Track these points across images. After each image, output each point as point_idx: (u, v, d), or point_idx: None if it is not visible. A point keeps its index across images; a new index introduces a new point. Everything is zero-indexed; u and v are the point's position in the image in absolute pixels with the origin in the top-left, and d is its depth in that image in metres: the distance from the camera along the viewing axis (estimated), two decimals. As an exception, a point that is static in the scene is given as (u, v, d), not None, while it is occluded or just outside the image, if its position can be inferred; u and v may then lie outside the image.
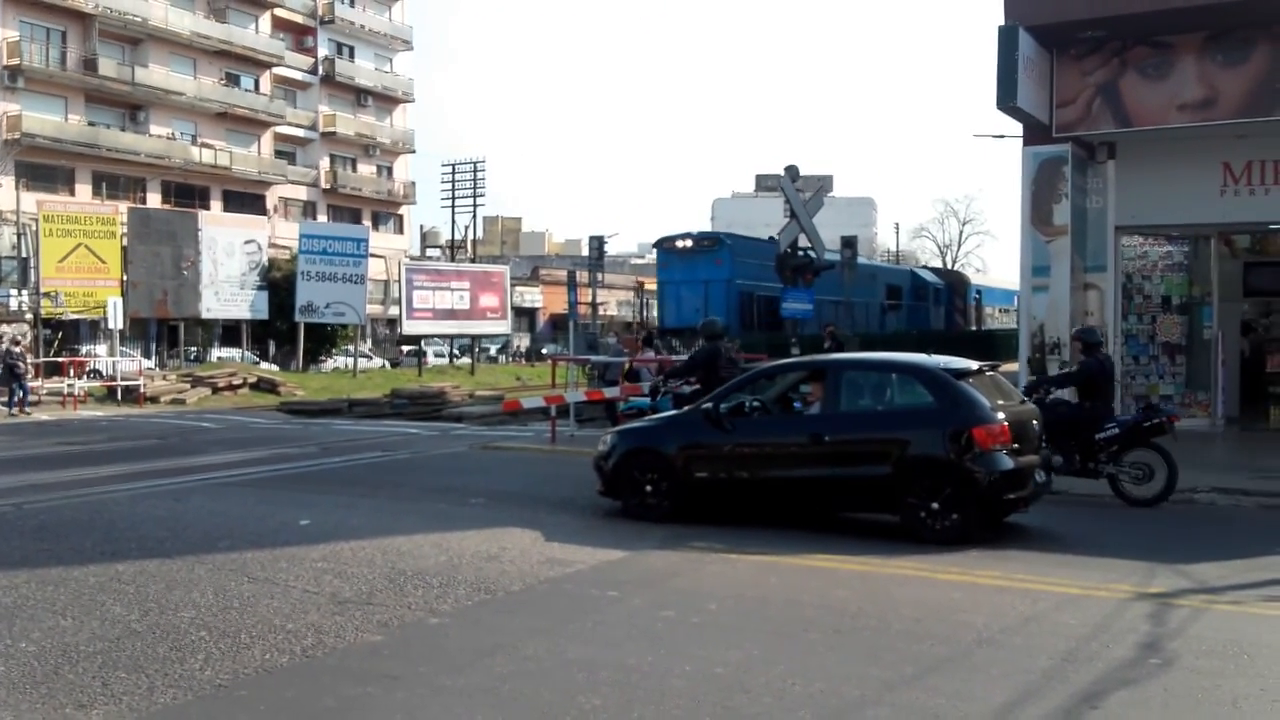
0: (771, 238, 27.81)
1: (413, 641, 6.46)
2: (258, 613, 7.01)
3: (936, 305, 40.40)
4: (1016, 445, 9.29)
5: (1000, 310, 50.99)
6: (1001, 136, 39.69)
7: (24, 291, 37.48)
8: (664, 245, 28.90)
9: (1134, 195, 17.26)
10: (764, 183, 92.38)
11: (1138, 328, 17.95)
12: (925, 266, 55.37)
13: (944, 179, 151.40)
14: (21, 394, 25.88)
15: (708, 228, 71.87)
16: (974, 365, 10.01)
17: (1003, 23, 15.69)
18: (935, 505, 9.15)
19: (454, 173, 65.80)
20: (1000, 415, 9.30)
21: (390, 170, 65.94)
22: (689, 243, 27.85)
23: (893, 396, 10.16)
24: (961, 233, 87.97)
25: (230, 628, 6.66)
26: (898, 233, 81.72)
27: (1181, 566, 8.45)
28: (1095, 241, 17.52)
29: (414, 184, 67.00)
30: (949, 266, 78.26)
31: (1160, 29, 15.90)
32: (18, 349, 26.73)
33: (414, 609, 7.14)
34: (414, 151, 67.09)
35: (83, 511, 11.03)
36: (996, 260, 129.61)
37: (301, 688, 5.64)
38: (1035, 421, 10.03)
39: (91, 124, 49.14)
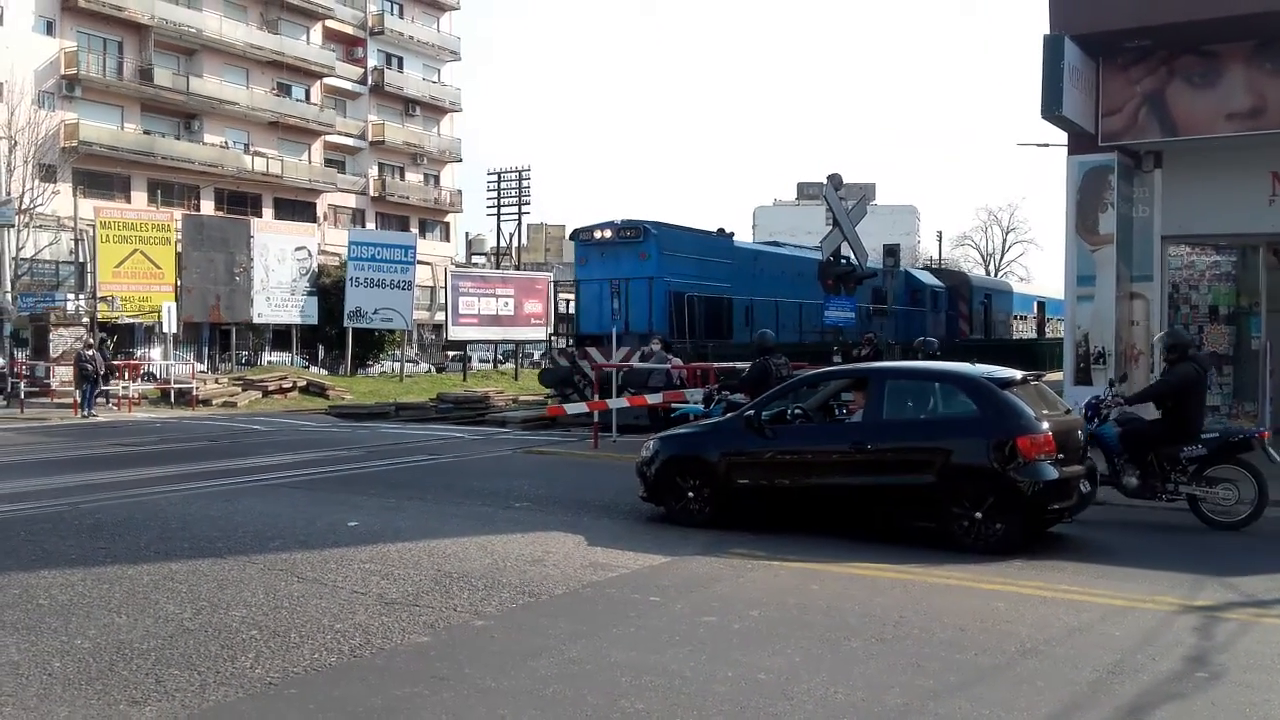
0: (720, 230, 26.06)
1: (458, 643, 6.56)
2: (307, 612, 7.15)
3: (935, 310, 36.04)
4: (1061, 455, 9.23)
5: (1017, 317, 45.13)
6: (1046, 145, 37.49)
7: (81, 296, 38.27)
8: (580, 237, 23.96)
9: (1181, 205, 17.05)
10: (806, 190, 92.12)
11: (1185, 338, 17.70)
12: (924, 267, 48.18)
13: (987, 187, 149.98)
14: (91, 396, 26.48)
15: (749, 238, 65.62)
16: (1018, 375, 9.98)
17: (1048, 32, 15.60)
18: (978, 515, 9.11)
19: (499, 181, 66.29)
20: (1045, 425, 9.25)
21: (437, 179, 66.53)
22: (608, 233, 23.07)
23: (936, 405, 10.13)
24: (1005, 241, 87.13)
25: (280, 627, 6.80)
26: (940, 241, 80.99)
27: (1229, 579, 8.35)
28: (1141, 251, 17.31)
29: (460, 192, 67.54)
30: (993, 274, 77.41)
31: (1207, 37, 15.71)
32: (89, 352, 27.33)
33: (460, 611, 7.24)
34: (460, 160, 67.64)
35: (137, 511, 11.27)
36: (1040, 269, 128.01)
37: (350, 687, 5.76)
38: (1080, 431, 9.95)
39: (147, 132, 50.05)
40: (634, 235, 22.69)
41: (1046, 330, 45.32)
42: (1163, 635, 6.78)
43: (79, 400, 26.61)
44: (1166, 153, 17.13)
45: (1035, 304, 47.46)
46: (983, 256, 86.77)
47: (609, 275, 22.56)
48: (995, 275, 76.37)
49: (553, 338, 25.92)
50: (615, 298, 22.74)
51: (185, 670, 5.94)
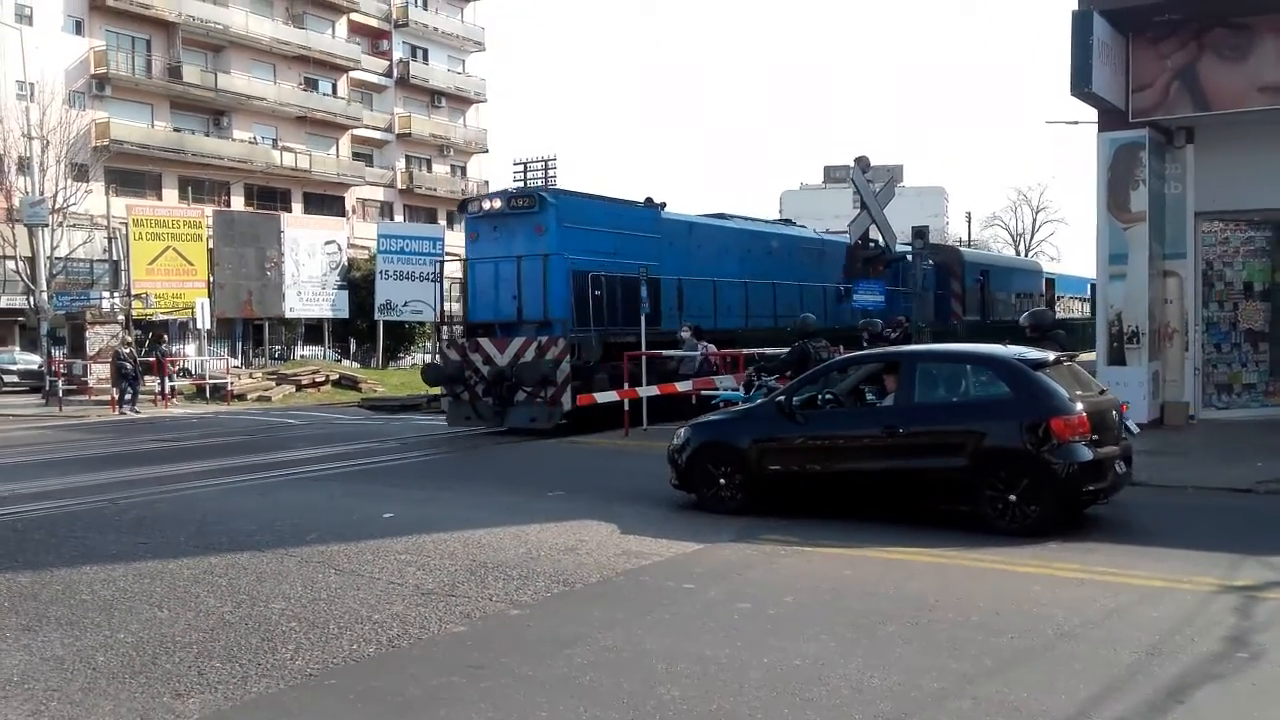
0: (649, 200, 22.84)
1: (495, 632, 6.61)
2: (345, 604, 7.23)
3: (922, 290, 32.37)
4: (1096, 436, 9.17)
5: (1021, 296, 39.23)
6: (1075, 123, 36.38)
7: (115, 294, 38.74)
8: (469, 210, 20.36)
9: (1214, 180, 16.85)
10: (832, 174, 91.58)
11: (1219, 315, 17.52)
12: (906, 242, 43.35)
13: (1017, 166, 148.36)
14: (131, 394, 26.86)
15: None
16: (1050, 356, 9.90)
17: (1076, 7, 15.44)
18: (1013, 497, 9.07)
19: (525, 170, 66.31)
20: (1078, 406, 9.18)
21: (464, 170, 66.73)
22: (497, 203, 19.56)
23: (968, 388, 10.07)
24: (1035, 221, 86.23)
25: (319, 618, 6.88)
26: (969, 222, 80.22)
27: (1269, 558, 8.26)
28: (1174, 228, 17.14)
29: (487, 183, 67.67)
30: (1022, 254, 76.62)
31: (1238, 9, 15.50)
32: (126, 350, 27.68)
33: (495, 600, 7.30)
34: (487, 151, 67.80)
35: (176, 506, 11.43)
36: (1071, 248, 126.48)
37: (388, 677, 5.82)
38: (1115, 412, 9.87)
39: (177, 130, 50.50)
40: (528, 205, 19.16)
41: (1058, 310, 40.68)
42: (1201, 616, 6.72)
43: (117, 398, 26.97)
44: (1198, 128, 16.94)
45: (1043, 281, 43.10)
46: (1012, 237, 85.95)
47: (502, 253, 19.02)
48: (1025, 255, 75.52)
49: (442, 327, 21.77)
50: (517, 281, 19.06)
51: (227, 663, 6.03)
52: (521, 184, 65.45)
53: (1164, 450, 13.85)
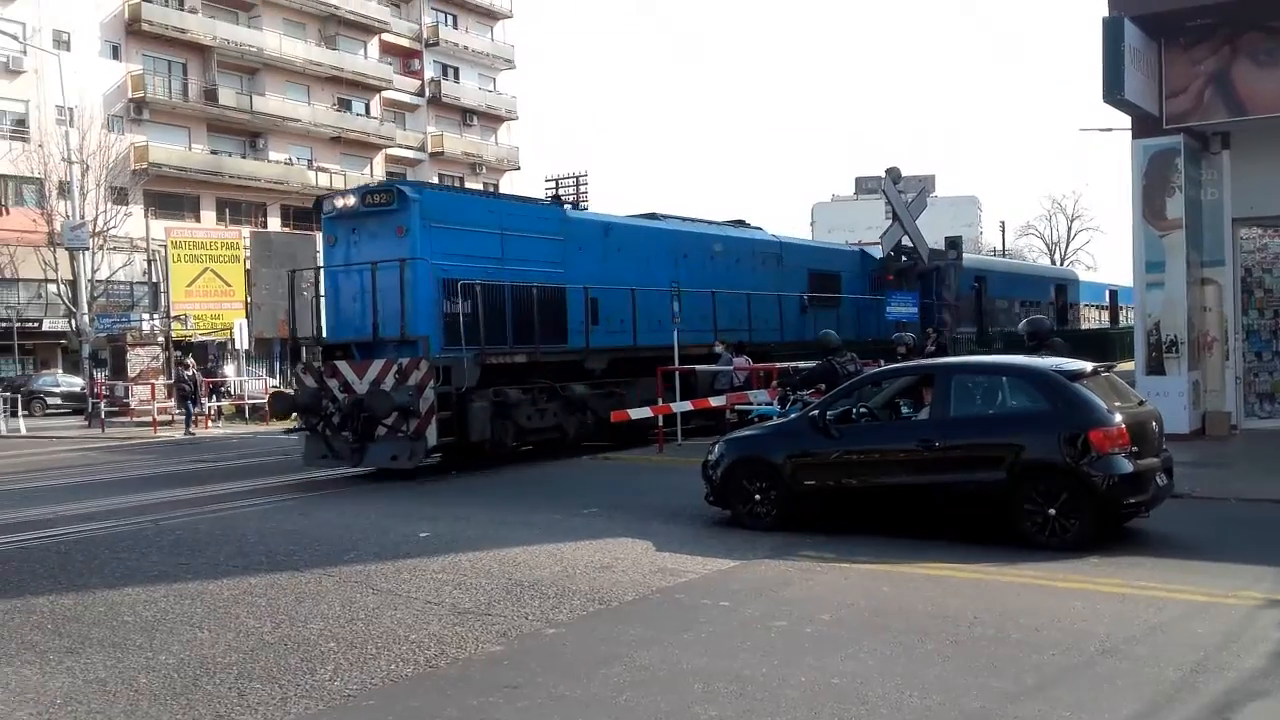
0: (556, 198, 21.24)
1: (531, 651, 6.62)
2: (382, 624, 7.26)
3: None
4: (1136, 448, 9.06)
5: (1026, 304, 34.65)
6: (1109, 129, 35.40)
7: (155, 315, 39.27)
8: (324, 210, 17.11)
9: (1251, 186, 16.66)
10: (864, 185, 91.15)
11: (1259, 323, 17.28)
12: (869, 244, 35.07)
13: (1051, 174, 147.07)
14: (189, 415, 27.19)
15: (807, 235, 52.88)
16: (1088, 367, 9.81)
17: (1107, 14, 15.33)
18: (1051, 511, 8.97)
19: (557, 187, 66.51)
20: (1117, 417, 9.08)
21: (496, 187, 67.16)
22: (351, 201, 16.54)
23: (1005, 400, 9.99)
24: (1070, 229, 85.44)
25: (357, 638, 6.92)
26: (1003, 231, 79.63)
27: (1316, 572, 8.13)
28: (1212, 235, 16.95)
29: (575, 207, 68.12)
30: (1059, 263, 75.85)
31: (1272, 14, 15.34)
32: (188, 372, 28.02)
33: (531, 619, 7.31)
34: (519, 168, 68.18)
35: (216, 526, 11.54)
36: (1107, 256, 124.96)
37: (426, 697, 5.84)
38: (1155, 423, 9.76)
39: (214, 152, 51.20)
40: (385, 202, 16.11)
41: (1069, 318, 38.05)
42: (1247, 631, 6.62)
43: (182, 419, 27.37)
44: (1234, 133, 16.77)
45: (1052, 287, 38.84)
46: (1047, 245, 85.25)
47: (360, 259, 16.15)
48: (1061, 264, 74.79)
49: (304, 348, 18.48)
50: (372, 291, 16.06)
51: (267, 684, 6.08)
52: (558, 199, 65.72)
53: (1206, 461, 13.65)
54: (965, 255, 37.47)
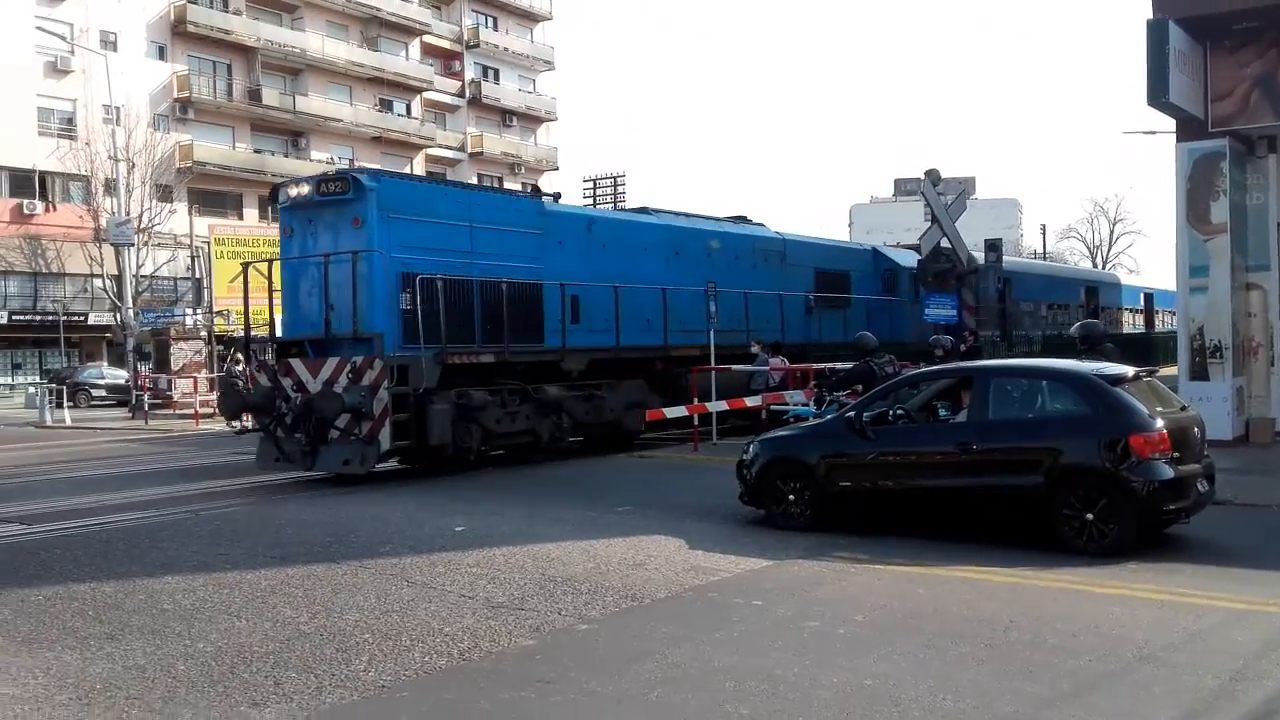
0: (535, 188, 19.87)
1: (564, 646, 6.64)
2: (417, 616, 7.32)
3: (914, 301, 26.53)
4: (1177, 454, 8.94)
5: (1053, 307, 33.27)
6: (1153, 133, 34.80)
7: (199, 311, 39.79)
8: (279, 199, 16.27)
9: (1298, 190, 16.42)
10: (903, 187, 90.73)
11: (1304, 329, 17.01)
12: (905, 245, 31.35)
13: (1093, 177, 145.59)
14: None
15: (844, 237, 52.44)
16: (1129, 371, 9.70)
17: (1151, 16, 15.15)
18: (1090, 516, 8.87)
19: (595, 187, 66.86)
20: (1159, 423, 8.97)
21: (536, 187, 67.46)
22: (305, 189, 15.61)
23: (1044, 404, 9.89)
24: (1112, 233, 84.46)
25: (392, 630, 6.98)
26: (1044, 234, 78.88)
27: (1361, 581, 7.99)
28: (1257, 239, 16.71)
29: (558, 197, 68.36)
30: (1101, 267, 74.94)
31: (1320, 17, 15.10)
32: (239, 368, 28.31)
33: (564, 615, 7.34)
34: (557, 168, 68.44)
35: (254, 518, 11.68)
36: (1150, 260, 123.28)
37: (459, 690, 5.88)
38: (1197, 429, 9.63)
39: (257, 151, 51.80)
40: (340, 190, 15.23)
41: (1103, 320, 35.80)
42: (1289, 640, 6.52)
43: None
44: (1280, 137, 16.52)
45: (1082, 289, 37.72)
46: (1089, 248, 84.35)
47: (319, 251, 15.32)
48: (1103, 268, 73.94)
49: (253, 346, 17.43)
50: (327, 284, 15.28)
51: (302, 673, 6.14)
52: (592, 200, 65.80)
53: (1249, 468, 13.45)
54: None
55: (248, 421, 16.45)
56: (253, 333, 16.82)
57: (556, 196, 19.11)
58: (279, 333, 16.27)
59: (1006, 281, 29.36)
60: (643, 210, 21.51)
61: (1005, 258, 34.25)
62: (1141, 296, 43.55)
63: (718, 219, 22.95)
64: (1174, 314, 43.23)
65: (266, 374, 15.56)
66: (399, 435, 14.54)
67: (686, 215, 22.06)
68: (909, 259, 26.91)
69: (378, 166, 21.26)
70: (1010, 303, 28.35)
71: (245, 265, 16.76)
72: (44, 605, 7.81)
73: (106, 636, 6.98)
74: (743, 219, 24.00)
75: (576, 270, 17.73)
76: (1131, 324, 41.76)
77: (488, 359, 15.97)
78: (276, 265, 16.12)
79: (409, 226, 15.28)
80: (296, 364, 15.14)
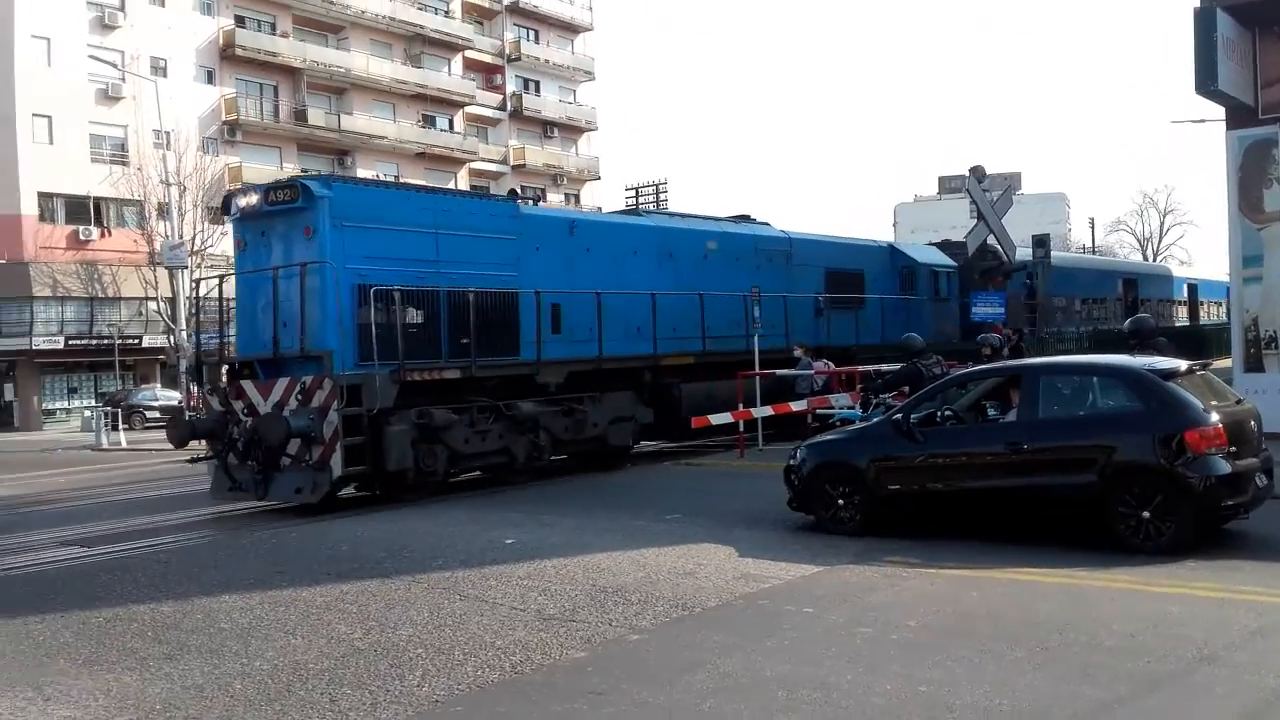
0: (513, 192, 18.22)
1: (615, 658, 6.66)
2: (469, 630, 7.37)
3: (940, 299, 25.35)
4: (1234, 448, 8.79)
5: (1084, 301, 31.89)
6: (1202, 121, 33.74)
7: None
8: (230, 210, 15.33)
9: (1351, 176, 16.04)
10: (948, 184, 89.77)
11: (1364, 317, 16.59)
12: (938, 244, 29.42)
13: (1142, 168, 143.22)
14: None
15: (889, 237, 45.75)
16: (1183, 365, 9.54)
17: (1199, 4, 14.92)
18: (1146, 514, 8.74)
19: (637, 195, 66.84)
20: (1214, 416, 8.82)
21: (577, 197, 67.66)
22: (254, 199, 14.74)
23: (1095, 401, 9.77)
24: (1163, 224, 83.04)
25: (444, 644, 7.03)
26: (1093, 228, 77.72)
27: None
28: None
29: (600, 209, 68.56)
30: (1152, 259, 73.67)
31: (1373, -3, 14.79)
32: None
33: (615, 625, 7.35)
34: (599, 178, 68.60)
35: (309, 535, 11.83)
36: (1202, 251, 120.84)
37: (512, 704, 5.91)
38: (1254, 422, 9.44)
39: (304, 171, 52.50)
40: (290, 199, 14.26)
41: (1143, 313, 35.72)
42: (1355, 637, 6.37)
43: None
44: (1333, 122, 16.18)
45: (1120, 281, 36.33)
46: (1139, 241, 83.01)
47: (271, 264, 14.41)
48: (1155, 260, 72.68)
49: (198, 364, 16.34)
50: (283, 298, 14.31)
51: (357, 689, 6.21)
52: (639, 207, 65.86)
53: (1311, 461, 13.15)
54: (1024, 255, 33.67)
55: (201, 449, 15.30)
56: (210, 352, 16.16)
57: (537, 199, 18.25)
58: (236, 352, 15.41)
59: (1034, 275, 27.79)
60: (633, 212, 20.32)
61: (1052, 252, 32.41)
62: (1185, 288, 42.05)
63: (717, 219, 22.15)
64: (1220, 305, 42.10)
65: (219, 397, 14.68)
66: (353, 460, 13.63)
67: (682, 215, 21.43)
68: (929, 255, 25.92)
69: (332, 172, 20.61)
70: (1041, 298, 27.06)
71: (197, 283, 16.27)
72: (104, 627, 7.97)
73: (165, 657, 7.10)
74: (745, 218, 23.14)
75: (557, 277, 16.72)
76: (1173, 317, 39.11)
77: (452, 375, 14.95)
78: (231, 281, 15.54)
79: (367, 235, 14.38)
80: (248, 386, 14.33)
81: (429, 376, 14.60)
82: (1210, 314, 41.62)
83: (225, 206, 15.58)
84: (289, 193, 14.39)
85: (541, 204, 18.53)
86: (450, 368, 14.94)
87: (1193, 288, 41.52)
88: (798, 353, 19.28)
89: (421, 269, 14.85)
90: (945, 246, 27.73)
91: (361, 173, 53.69)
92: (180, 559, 10.71)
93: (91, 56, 41.55)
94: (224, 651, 7.14)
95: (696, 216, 21.73)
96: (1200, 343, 29.17)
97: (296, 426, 13.36)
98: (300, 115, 51.92)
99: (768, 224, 22.96)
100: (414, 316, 14.70)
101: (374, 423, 13.88)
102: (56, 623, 8.13)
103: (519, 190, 17.56)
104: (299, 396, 13.67)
